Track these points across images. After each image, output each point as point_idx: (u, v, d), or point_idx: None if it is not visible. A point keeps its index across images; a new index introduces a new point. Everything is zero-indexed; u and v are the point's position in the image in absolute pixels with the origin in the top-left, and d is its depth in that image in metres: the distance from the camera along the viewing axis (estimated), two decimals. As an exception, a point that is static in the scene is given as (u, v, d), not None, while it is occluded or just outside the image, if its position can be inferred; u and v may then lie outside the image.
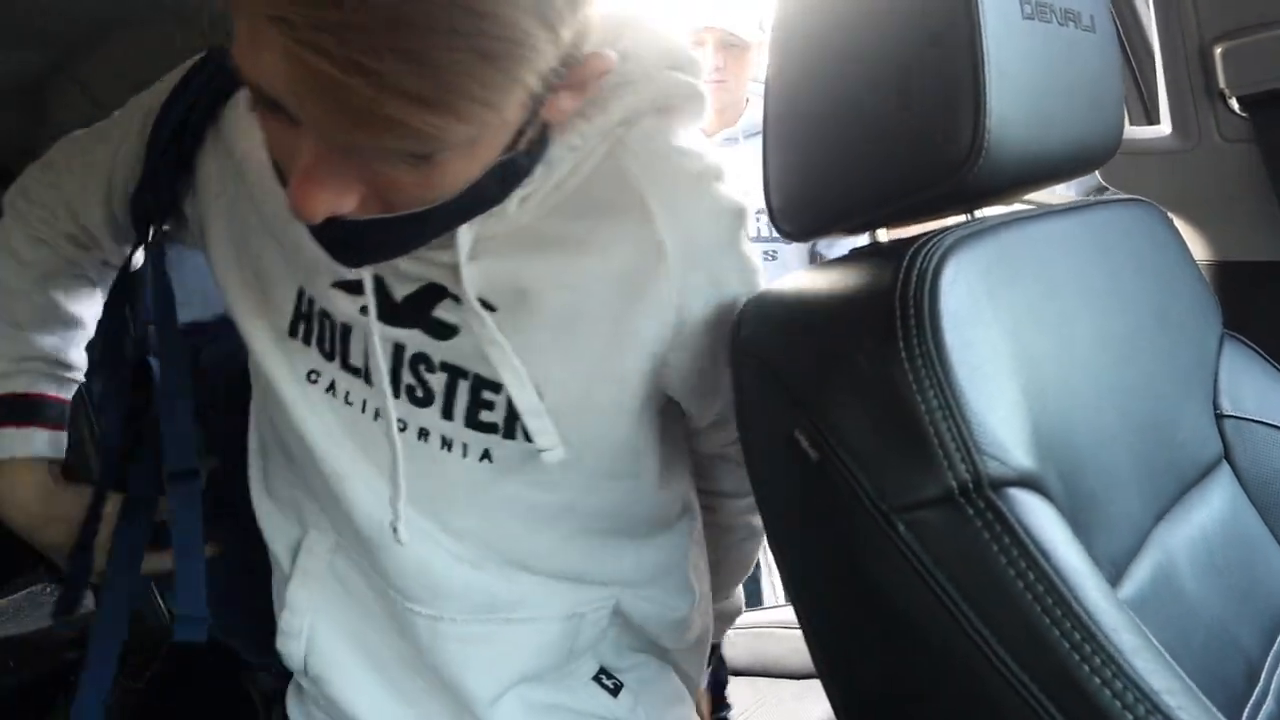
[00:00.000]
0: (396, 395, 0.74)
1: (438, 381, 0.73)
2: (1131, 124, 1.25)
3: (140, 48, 2.32)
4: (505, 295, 0.70)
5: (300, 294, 0.77)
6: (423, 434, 0.75)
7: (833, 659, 0.64)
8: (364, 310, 0.72)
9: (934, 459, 0.57)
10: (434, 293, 0.71)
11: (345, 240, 0.62)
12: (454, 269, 0.68)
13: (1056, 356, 0.70)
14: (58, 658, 1.71)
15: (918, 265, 0.61)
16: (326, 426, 0.77)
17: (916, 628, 0.58)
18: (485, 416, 0.73)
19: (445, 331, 0.72)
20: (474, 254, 0.68)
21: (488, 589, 0.80)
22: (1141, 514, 0.77)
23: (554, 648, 0.84)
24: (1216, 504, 0.88)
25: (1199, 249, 1.16)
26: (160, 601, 1.30)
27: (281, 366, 0.78)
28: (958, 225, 0.69)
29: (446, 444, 0.75)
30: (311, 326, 0.77)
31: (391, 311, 0.73)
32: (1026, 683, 0.54)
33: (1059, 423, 0.67)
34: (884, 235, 0.78)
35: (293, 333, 0.78)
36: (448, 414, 0.74)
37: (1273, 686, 0.77)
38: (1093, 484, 0.70)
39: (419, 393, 0.74)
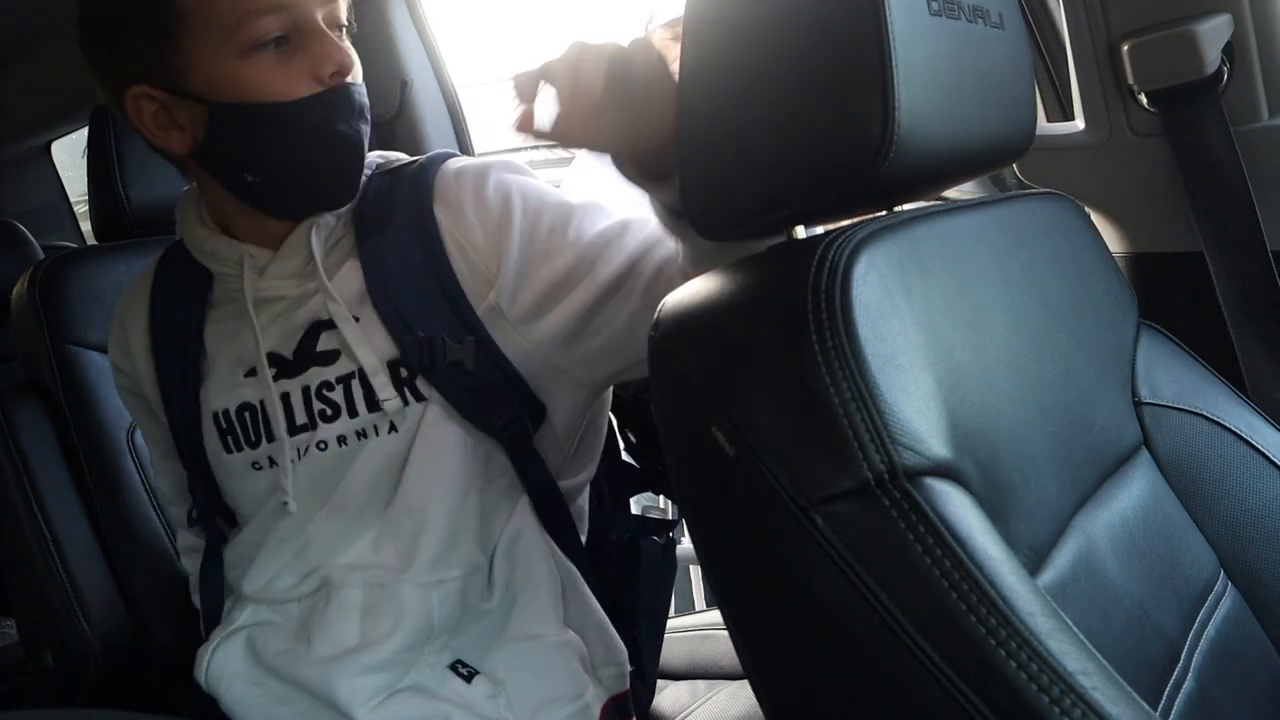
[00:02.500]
0: (313, 425, 0.95)
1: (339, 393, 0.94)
2: (1049, 120, 1.27)
3: (54, 62, 2.28)
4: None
5: (215, 415, 0.99)
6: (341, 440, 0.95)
7: (757, 654, 0.64)
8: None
9: (849, 451, 0.57)
10: (314, 332, 0.94)
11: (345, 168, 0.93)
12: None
13: (972, 348, 0.71)
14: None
15: (829, 258, 0.61)
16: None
17: (837, 620, 0.58)
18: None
19: (331, 356, 0.94)
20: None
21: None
22: (1061, 501, 0.78)
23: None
24: (1136, 490, 0.89)
25: (1114, 241, 1.18)
26: (85, 624, 1.26)
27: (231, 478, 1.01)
28: (869, 220, 0.69)
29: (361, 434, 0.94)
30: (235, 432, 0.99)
31: (291, 368, 0.95)
32: (946, 670, 0.54)
33: (976, 413, 0.68)
34: (801, 233, 0.78)
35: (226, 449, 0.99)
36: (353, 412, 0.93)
37: (1192, 665, 0.79)
38: (1011, 473, 0.70)
39: (329, 411, 0.94)
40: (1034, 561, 0.71)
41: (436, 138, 1.79)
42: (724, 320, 0.64)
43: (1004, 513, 0.67)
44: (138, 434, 1.35)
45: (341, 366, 0.93)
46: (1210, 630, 0.83)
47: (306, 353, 0.94)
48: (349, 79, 0.91)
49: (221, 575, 1.05)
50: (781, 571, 0.60)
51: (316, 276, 0.94)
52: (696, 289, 0.69)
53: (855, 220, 0.78)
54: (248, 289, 0.96)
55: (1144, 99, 1.09)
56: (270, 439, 0.96)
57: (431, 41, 1.78)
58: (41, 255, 2.31)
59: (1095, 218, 1.13)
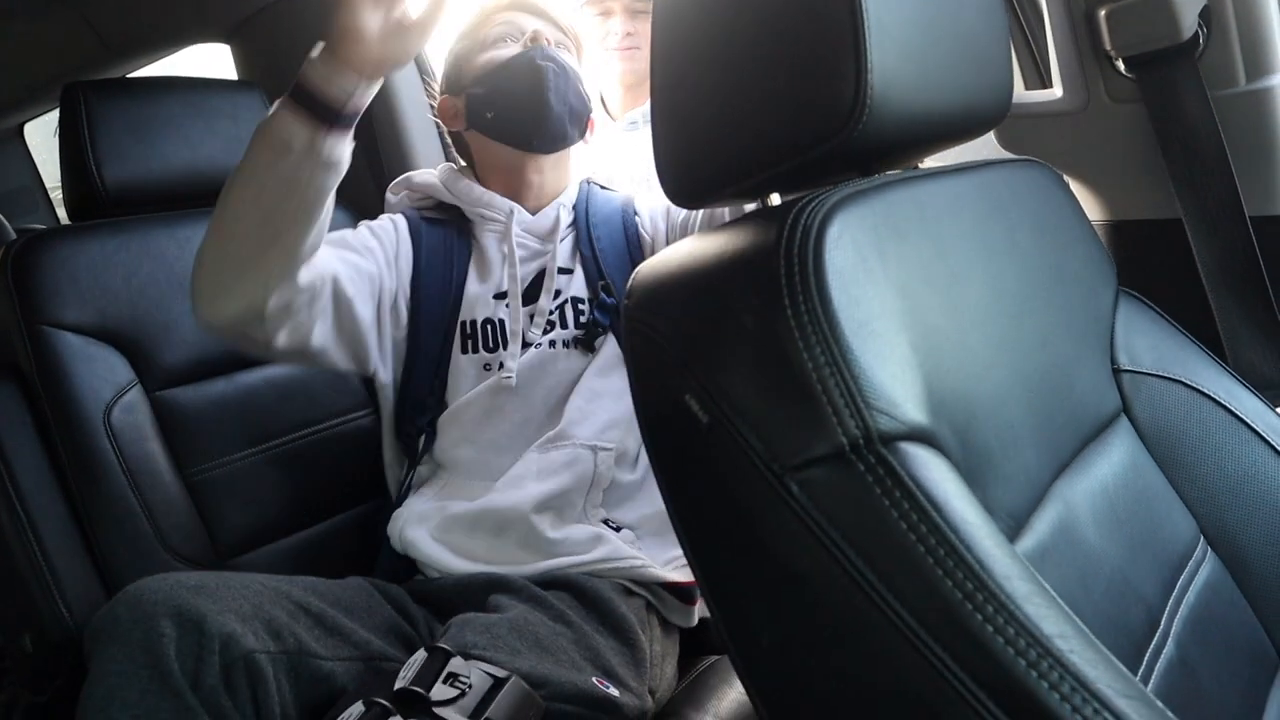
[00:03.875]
0: (533, 337, 1.30)
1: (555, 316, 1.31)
2: (1026, 88, 1.27)
3: (25, 42, 2.25)
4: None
5: (463, 323, 1.31)
6: (551, 343, 1.30)
7: (731, 618, 0.64)
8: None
9: (823, 416, 0.57)
10: (541, 275, 1.34)
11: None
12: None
13: (949, 313, 0.70)
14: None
15: (801, 222, 0.61)
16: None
17: (813, 585, 0.58)
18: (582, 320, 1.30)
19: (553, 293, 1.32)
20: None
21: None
22: (1040, 468, 0.78)
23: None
24: (1116, 457, 0.89)
25: (1093, 209, 1.18)
26: (64, 608, 1.25)
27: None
28: (843, 185, 0.68)
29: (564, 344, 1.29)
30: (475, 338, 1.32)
31: (526, 297, 1.31)
32: (922, 635, 0.54)
33: (953, 379, 0.67)
34: (776, 200, 0.78)
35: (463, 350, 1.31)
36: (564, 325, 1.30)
37: (1172, 631, 0.79)
38: (989, 439, 0.70)
39: (547, 327, 1.30)
40: (1012, 528, 0.70)
41: (412, 113, 1.77)
42: (697, 286, 0.64)
43: (981, 479, 0.67)
44: (114, 414, 1.33)
45: (560, 297, 1.31)
46: (1190, 596, 0.84)
47: (534, 288, 1.32)
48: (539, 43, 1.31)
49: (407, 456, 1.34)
50: (757, 538, 0.59)
51: (554, 240, 1.33)
52: (668, 256, 0.68)
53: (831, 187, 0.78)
54: (513, 232, 1.32)
55: (1121, 65, 1.09)
56: (504, 346, 1.29)
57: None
58: (13, 237, 2.29)
59: (1073, 185, 1.12)
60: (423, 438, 1.31)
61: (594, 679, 1.03)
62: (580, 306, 1.30)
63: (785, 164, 0.70)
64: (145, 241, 1.45)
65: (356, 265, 1.26)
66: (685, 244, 0.68)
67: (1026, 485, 0.74)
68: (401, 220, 1.37)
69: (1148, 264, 1.12)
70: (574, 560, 1.17)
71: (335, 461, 1.53)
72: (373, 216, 1.41)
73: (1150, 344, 0.99)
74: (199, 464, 1.41)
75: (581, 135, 1.35)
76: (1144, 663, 0.75)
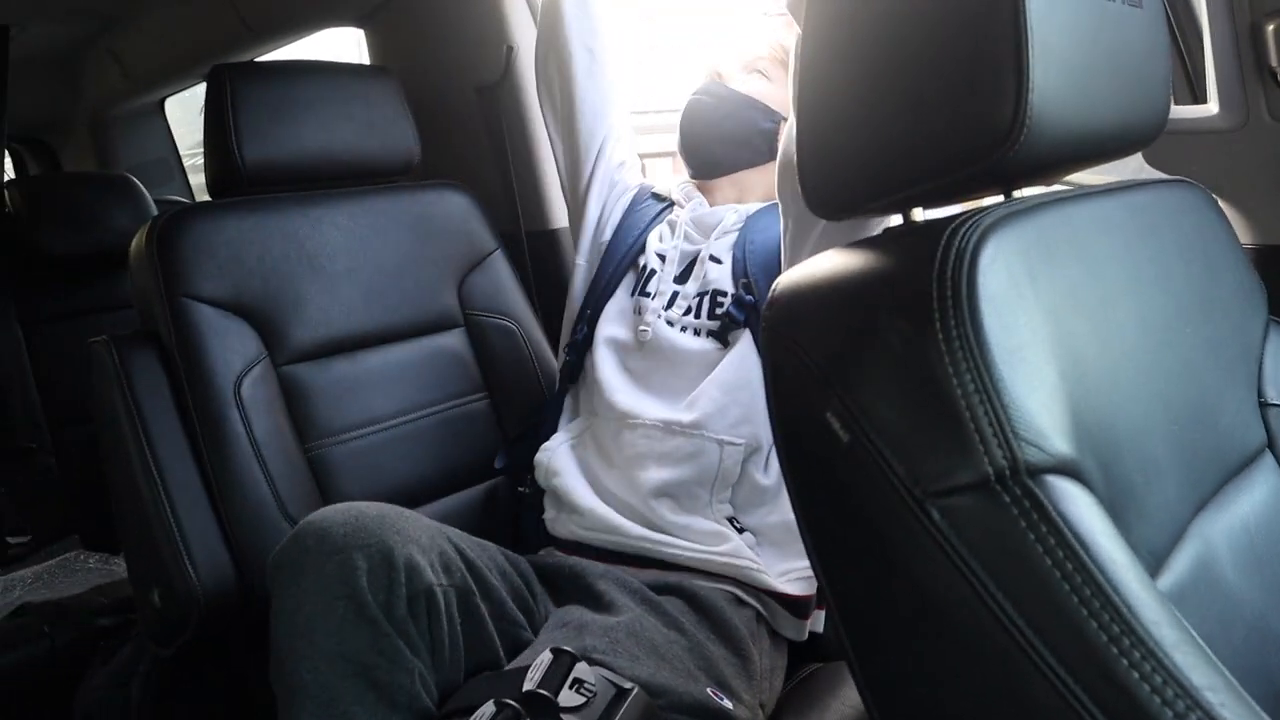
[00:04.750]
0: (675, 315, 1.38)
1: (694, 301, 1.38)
2: (1176, 103, 1.22)
3: (172, 21, 2.35)
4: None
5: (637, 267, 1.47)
6: (684, 329, 1.36)
7: (861, 642, 0.63)
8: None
9: (970, 444, 0.55)
10: (694, 260, 1.41)
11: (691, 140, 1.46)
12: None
13: (1097, 341, 0.68)
14: (91, 624, 1.73)
15: (955, 244, 0.59)
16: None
17: (948, 614, 0.57)
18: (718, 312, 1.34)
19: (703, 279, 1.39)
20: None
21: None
22: (1181, 504, 0.75)
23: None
24: (1259, 494, 0.86)
25: (1245, 232, 1.13)
26: (190, 568, 1.30)
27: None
28: (996, 205, 0.67)
29: (699, 332, 1.35)
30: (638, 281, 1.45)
31: (682, 277, 1.41)
32: (1062, 675, 0.53)
33: (1098, 409, 0.65)
34: (920, 215, 0.76)
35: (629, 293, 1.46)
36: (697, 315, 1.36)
37: (1313, 682, 0.75)
38: (1132, 472, 0.68)
39: (689, 309, 1.37)
40: (1152, 566, 0.68)
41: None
42: (843, 303, 0.63)
43: (1124, 514, 0.65)
44: (244, 385, 1.38)
45: (704, 286, 1.38)
46: (1333, 646, 0.80)
47: (687, 273, 1.41)
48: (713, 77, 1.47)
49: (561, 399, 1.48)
50: (892, 562, 0.59)
51: (710, 233, 1.41)
52: (812, 270, 0.68)
53: (977, 204, 0.76)
54: (684, 214, 1.45)
55: (1287, 83, 1.04)
56: (654, 298, 1.39)
57: (538, 8, 1.77)
58: (154, 208, 2.39)
59: (1224, 206, 1.07)
60: (573, 353, 1.47)
61: (709, 690, 1.04)
62: (720, 299, 1.35)
63: (934, 182, 0.68)
64: (280, 220, 1.51)
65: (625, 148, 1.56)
66: (830, 257, 0.67)
67: (1168, 521, 0.72)
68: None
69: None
70: (692, 548, 1.21)
71: (448, 443, 1.57)
72: (506, 223, 1.61)
73: (1301, 378, 0.95)
74: (318, 439, 1.46)
75: (752, 159, 1.44)
76: (1284, 714, 0.72)
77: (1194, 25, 1.15)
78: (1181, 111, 1.15)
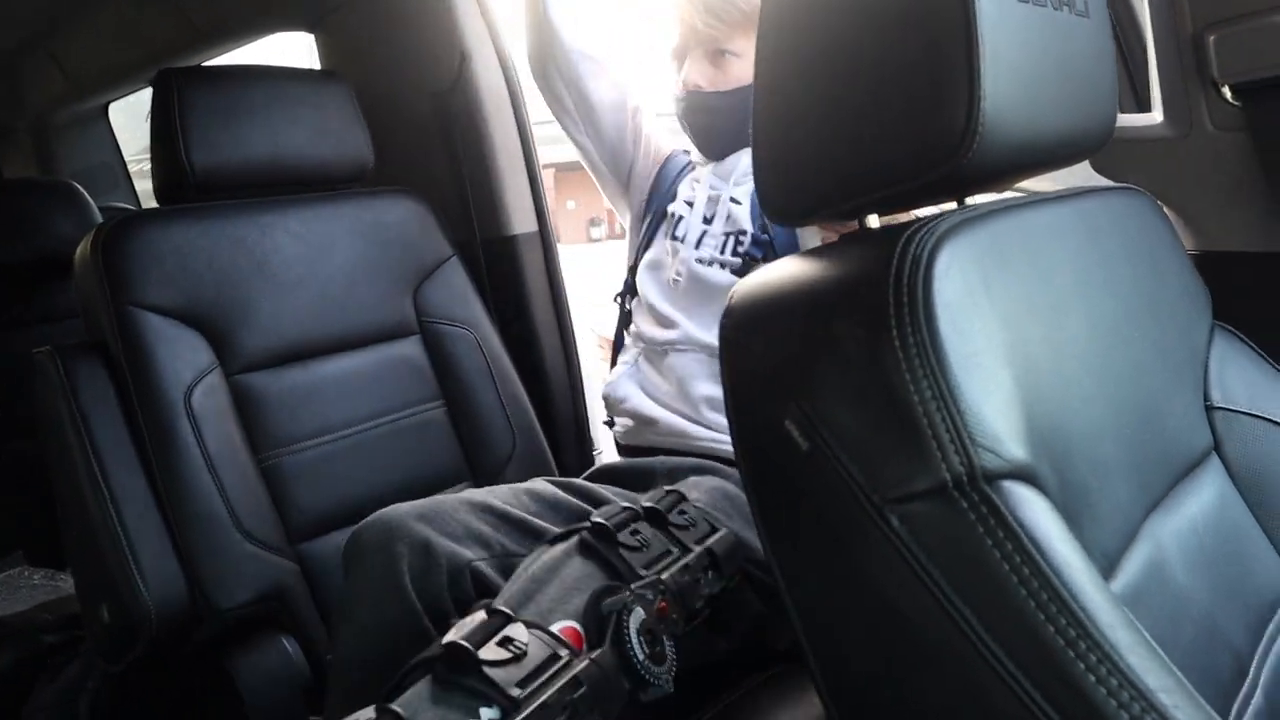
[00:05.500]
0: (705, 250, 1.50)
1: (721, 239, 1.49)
2: (1122, 111, 1.24)
3: (117, 25, 2.31)
4: None
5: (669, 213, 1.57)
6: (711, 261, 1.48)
7: (822, 647, 0.63)
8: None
9: (927, 451, 0.56)
10: (716, 202, 1.51)
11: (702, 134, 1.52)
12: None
13: (1049, 345, 0.69)
14: (36, 641, 1.69)
15: (911, 252, 0.60)
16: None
17: (908, 620, 0.57)
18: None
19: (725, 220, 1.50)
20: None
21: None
22: (1132, 505, 0.76)
23: None
24: (1206, 496, 0.87)
25: (1189, 238, 1.15)
26: (140, 582, 1.28)
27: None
28: (950, 212, 0.68)
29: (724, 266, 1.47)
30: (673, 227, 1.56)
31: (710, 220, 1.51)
32: (1019, 678, 0.53)
33: (1051, 413, 0.66)
34: (874, 221, 0.77)
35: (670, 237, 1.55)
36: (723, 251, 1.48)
37: (1261, 680, 0.77)
38: (1085, 475, 0.69)
39: (716, 247, 1.49)
40: (1105, 568, 0.69)
41: (493, 109, 1.78)
42: (800, 311, 0.63)
43: (1078, 517, 0.65)
44: (194, 395, 1.36)
45: (728, 226, 1.48)
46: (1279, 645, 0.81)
47: (713, 214, 1.51)
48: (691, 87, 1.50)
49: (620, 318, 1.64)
50: (852, 568, 0.59)
51: (731, 177, 1.51)
52: (769, 277, 0.68)
53: (930, 211, 0.77)
54: (705, 174, 1.54)
55: (1228, 92, 1.06)
56: (684, 241, 1.51)
57: (491, 15, 1.77)
58: (98, 215, 2.34)
59: (1169, 213, 1.10)
60: (627, 298, 1.62)
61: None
62: (742, 238, 1.47)
63: (887, 189, 0.69)
64: (229, 227, 1.48)
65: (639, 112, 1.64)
66: (786, 265, 0.68)
67: (1120, 523, 0.73)
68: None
69: (1244, 297, 1.09)
70: None
71: (404, 452, 1.55)
72: (461, 230, 1.68)
73: (1245, 381, 0.97)
74: (272, 449, 1.44)
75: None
76: (1232, 713, 0.73)
77: (1138, 34, 1.18)
78: (1127, 119, 1.17)
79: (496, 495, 1.23)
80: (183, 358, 1.38)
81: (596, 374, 1.92)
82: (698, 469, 1.37)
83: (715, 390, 1.40)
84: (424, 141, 1.84)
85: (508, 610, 0.98)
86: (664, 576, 1.06)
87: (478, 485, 1.61)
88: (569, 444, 1.86)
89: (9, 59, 2.62)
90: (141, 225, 1.41)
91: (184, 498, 1.32)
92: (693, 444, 1.42)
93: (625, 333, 1.62)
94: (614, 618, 0.99)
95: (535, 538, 1.18)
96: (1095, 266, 0.81)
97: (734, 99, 1.46)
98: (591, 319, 2.29)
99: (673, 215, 1.55)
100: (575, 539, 1.09)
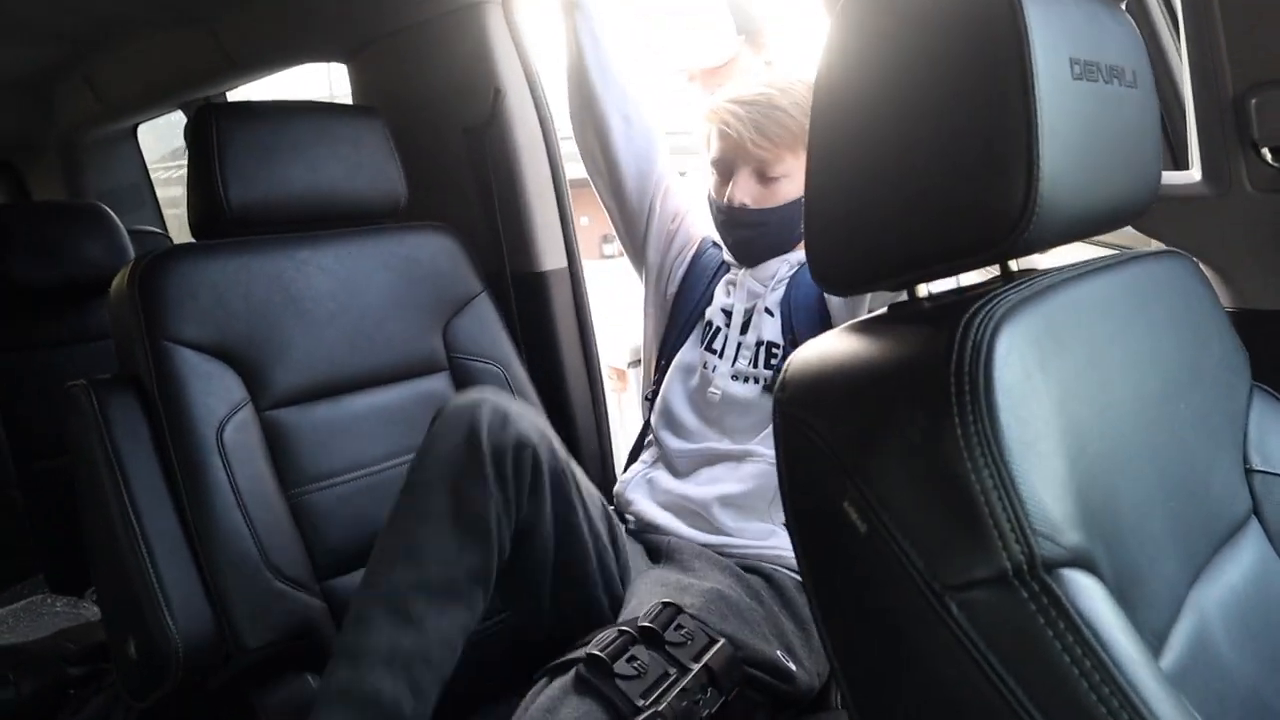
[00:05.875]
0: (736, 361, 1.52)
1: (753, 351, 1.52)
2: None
3: (151, 50, 2.33)
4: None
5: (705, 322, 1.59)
6: (742, 377, 1.51)
7: (874, 727, 0.64)
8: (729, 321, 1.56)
9: (988, 539, 0.56)
10: (751, 313, 1.53)
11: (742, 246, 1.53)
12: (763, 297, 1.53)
13: (1099, 425, 0.69)
14: (60, 672, 1.69)
15: (972, 336, 0.60)
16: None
17: (964, 706, 0.57)
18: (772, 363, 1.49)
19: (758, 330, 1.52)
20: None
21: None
22: (1179, 578, 0.76)
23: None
24: (1247, 561, 0.87)
25: (1226, 296, 1.15)
26: (169, 619, 1.28)
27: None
28: (1006, 290, 0.68)
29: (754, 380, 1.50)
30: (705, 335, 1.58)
31: (742, 328, 1.53)
32: (1079, 770, 0.53)
33: (1103, 493, 0.66)
34: (923, 290, 0.77)
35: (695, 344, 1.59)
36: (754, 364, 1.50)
37: (1306, 757, 0.77)
38: (1135, 554, 0.69)
39: (749, 357, 1.51)
40: (1154, 645, 0.69)
41: (526, 145, 1.79)
42: (860, 391, 0.63)
43: (1129, 597, 0.65)
44: (227, 431, 1.37)
45: (759, 336, 1.50)
46: (1325, 721, 0.81)
47: (747, 322, 1.52)
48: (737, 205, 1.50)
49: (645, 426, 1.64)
50: (909, 652, 0.59)
51: (768, 285, 1.52)
52: (825, 351, 0.68)
53: (984, 284, 0.77)
54: (742, 273, 1.55)
55: (1268, 154, 1.06)
56: (720, 356, 1.53)
57: (526, 52, 1.78)
58: (127, 238, 2.35)
59: (1205, 269, 1.10)
60: (652, 402, 1.62)
61: (778, 652, 1.25)
62: (775, 350, 1.49)
63: (941, 264, 0.69)
64: (265, 262, 1.49)
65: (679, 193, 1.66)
66: (844, 339, 0.68)
67: (1168, 598, 0.73)
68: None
69: (1281, 358, 1.09)
70: (746, 545, 1.41)
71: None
72: (492, 264, 1.70)
73: (1284, 444, 0.97)
74: (301, 485, 1.44)
75: (795, 241, 1.52)
76: (1279, 792, 0.73)
77: (1175, 94, 1.18)
78: (1166, 177, 1.17)
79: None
80: (216, 394, 1.39)
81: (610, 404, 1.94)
82: (709, 559, 1.40)
83: (733, 489, 1.44)
84: (456, 176, 1.85)
85: (675, 603, 1.11)
86: (661, 708, 1.08)
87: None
88: (593, 480, 1.87)
89: (43, 80, 2.65)
90: (178, 260, 1.43)
91: (214, 535, 1.33)
92: (690, 540, 1.45)
93: (648, 430, 1.62)
94: None
95: (585, 504, 1.30)
96: (1142, 337, 0.81)
97: (779, 215, 1.48)
98: (603, 350, 2.30)
99: (710, 324, 1.56)
100: (571, 674, 1.11)
